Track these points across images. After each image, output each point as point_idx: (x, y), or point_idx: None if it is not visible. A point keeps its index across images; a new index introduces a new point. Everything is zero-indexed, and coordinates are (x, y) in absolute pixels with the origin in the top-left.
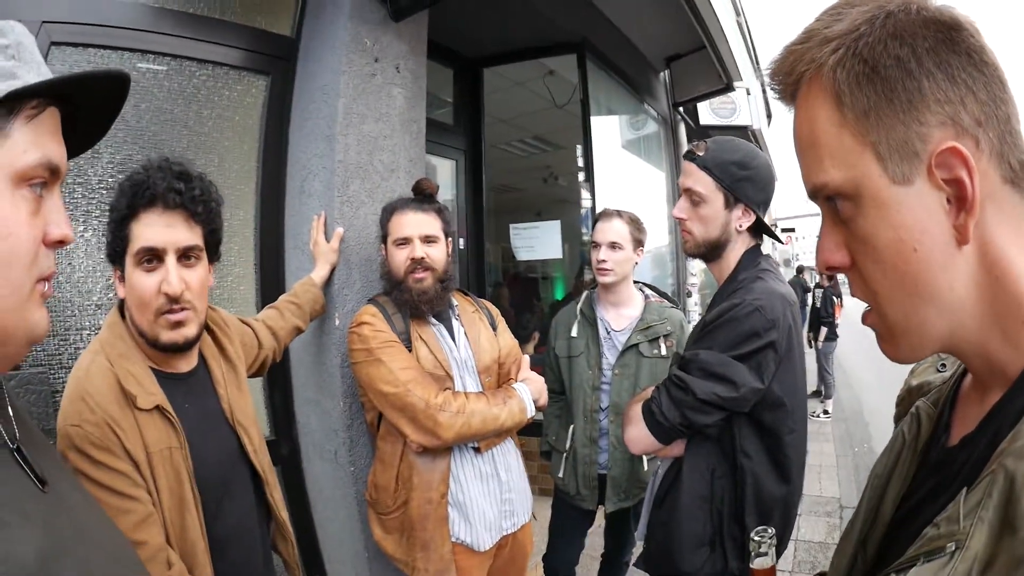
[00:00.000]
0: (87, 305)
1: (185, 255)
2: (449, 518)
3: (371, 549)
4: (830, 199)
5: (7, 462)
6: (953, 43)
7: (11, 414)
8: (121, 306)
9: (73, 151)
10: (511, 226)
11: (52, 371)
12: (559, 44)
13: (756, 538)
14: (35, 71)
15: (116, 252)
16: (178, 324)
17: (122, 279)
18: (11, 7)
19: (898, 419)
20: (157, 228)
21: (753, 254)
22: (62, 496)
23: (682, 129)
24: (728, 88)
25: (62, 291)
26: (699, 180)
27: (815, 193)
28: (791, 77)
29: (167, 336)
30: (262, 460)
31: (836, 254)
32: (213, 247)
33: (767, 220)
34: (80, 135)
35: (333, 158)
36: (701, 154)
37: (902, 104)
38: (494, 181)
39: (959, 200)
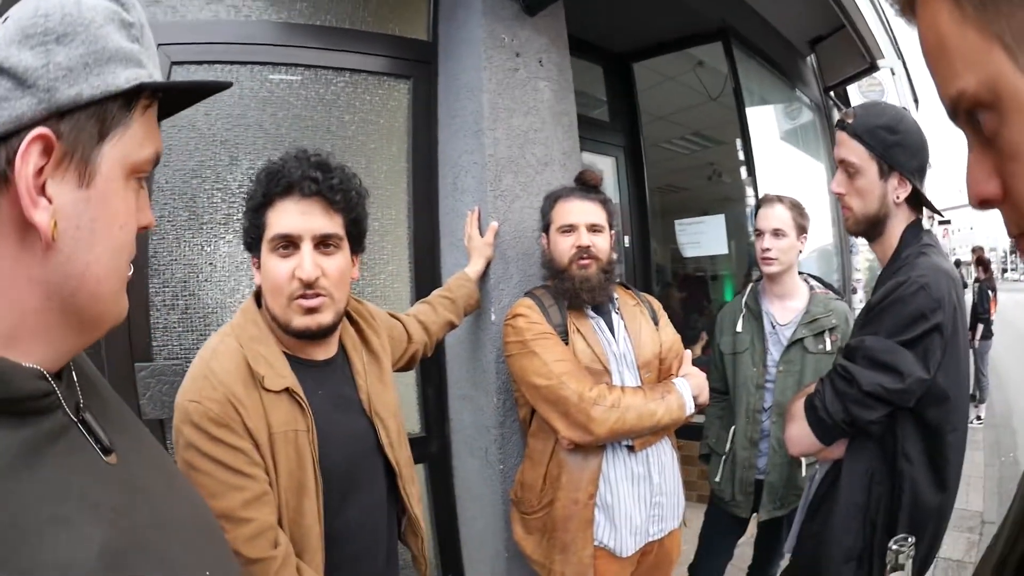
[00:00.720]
0: (230, 303)
1: (323, 243)
2: (594, 521)
3: (511, 550)
4: (972, 116)
5: (74, 441)
6: None
7: (78, 383)
8: (257, 294)
9: None
10: (676, 222)
11: (189, 364)
12: (702, 33)
13: (894, 547)
14: (154, 60)
15: (252, 239)
16: (312, 310)
17: (258, 266)
18: None
19: None
20: (292, 215)
21: (915, 229)
22: (138, 476)
23: (836, 116)
24: (873, 68)
25: (204, 290)
26: (852, 150)
27: (954, 110)
28: None
29: (300, 321)
30: (398, 454)
31: (988, 184)
32: (356, 238)
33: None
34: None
35: (483, 153)
36: (850, 121)
37: None
38: (658, 181)
39: None
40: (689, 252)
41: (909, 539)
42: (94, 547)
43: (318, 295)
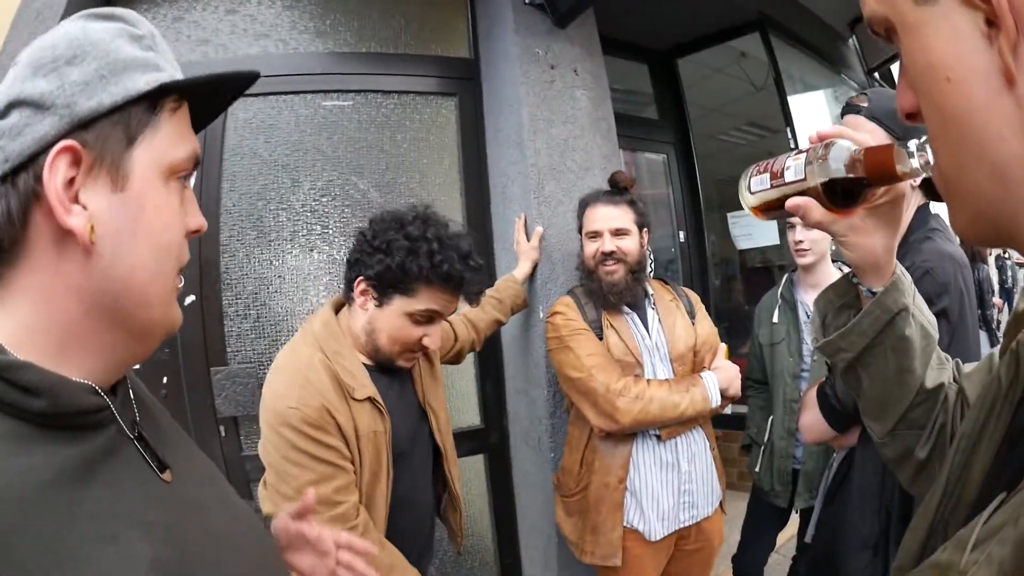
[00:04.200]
0: (299, 311)
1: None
2: (625, 504)
3: (561, 535)
4: (891, 40)
5: (128, 458)
6: None
7: (134, 401)
8: (337, 307)
9: None
10: (728, 215)
11: (261, 368)
12: (740, 25)
13: None
14: (172, 63)
15: (386, 286)
16: (414, 359)
17: (376, 301)
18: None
19: (1001, 357)
20: (443, 302)
21: (923, 213)
22: (191, 494)
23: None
24: None
25: (272, 299)
26: (870, 132)
27: (875, 31)
28: None
29: (402, 364)
30: (445, 439)
31: (906, 97)
32: None
33: None
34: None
35: (526, 163)
36: (865, 105)
37: None
38: (717, 173)
39: (993, 26)
40: (742, 244)
41: None
42: (143, 563)
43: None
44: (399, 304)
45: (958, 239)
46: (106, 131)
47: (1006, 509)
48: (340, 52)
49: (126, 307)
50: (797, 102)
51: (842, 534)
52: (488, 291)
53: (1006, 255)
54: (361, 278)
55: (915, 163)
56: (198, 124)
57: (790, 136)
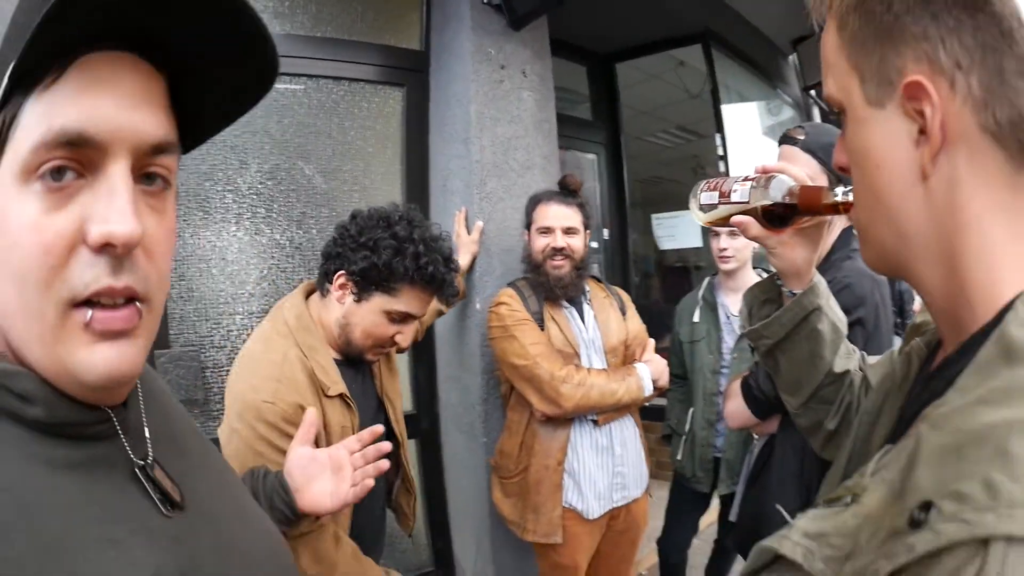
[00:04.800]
0: (240, 294)
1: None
2: (563, 485)
3: (493, 516)
4: (840, 113)
5: (133, 475)
6: None
7: (145, 424)
8: (307, 294)
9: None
10: (653, 216)
11: (203, 351)
12: (684, 36)
13: None
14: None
15: (368, 283)
16: (383, 355)
17: (354, 296)
18: None
19: (900, 355)
20: (424, 304)
21: (847, 235)
22: (203, 505)
23: (816, 113)
24: None
25: (216, 281)
26: (805, 163)
27: (829, 104)
28: (819, 7)
29: (371, 358)
30: (401, 428)
31: (841, 156)
32: None
33: None
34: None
35: (470, 159)
36: (802, 138)
37: (882, 35)
38: (643, 173)
39: (924, 135)
40: (665, 245)
41: None
42: (145, 570)
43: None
44: (379, 302)
45: None
46: None
47: (893, 452)
48: (296, 35)
49: (14, 345)
50: (730, 111)
51: (766, 511)
52: None
53: None
54: (343, 272)
55: (840, 201)
56: (222, 119)
57: (719, 143)
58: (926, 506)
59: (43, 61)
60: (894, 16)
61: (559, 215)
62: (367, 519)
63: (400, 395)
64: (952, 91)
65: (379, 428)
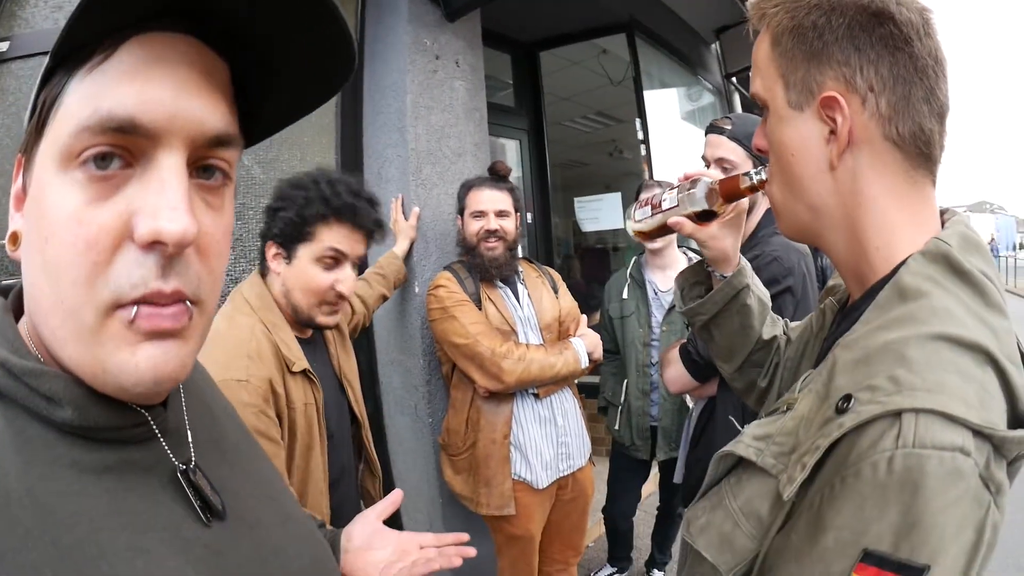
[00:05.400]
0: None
1: (354, 265)
2: (511, 458)
3: (444, 495)
4: (763, 108)
5: (171, 481)
6: (870, 27)
7: (188, 426)
8: (262, 275)
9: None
10: (575, 200)
11: None
12: (609, 25)
13: None
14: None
15: (290, 239)
16: (334, 312)
17: (285, 259)
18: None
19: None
20: (348, 240)
21: (772, 213)
22: (242, 511)
23: (737, 100)
24: None
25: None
26: (731, 150)
27: (754, 99)
28: (757, 22)
29: (323, 319)
30: (361, 409)
31: (761, 140)
32: None
33: None
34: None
35: (406, 147)
36: (729, 127)
37: (810, 55)
38: (562, 157)
39: (834, 135)
40: (588, 227)
41: None
42: None
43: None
44: (305, 253)
45: None
46: (29, 129)
47: (815, 372)
48: None
49: (46, 341)
50: (650, 97)
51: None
52: (372, 268)
53: None
54: (270, 241)
55: (754, 183)
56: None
57: (639, 127)
58: (847, 398)
59: (92, 38)
60: (823, 43)
61: (492, 199)
62: (346, 503)
63: (357, 375)
64: (863, 107)
65: (464, 536)
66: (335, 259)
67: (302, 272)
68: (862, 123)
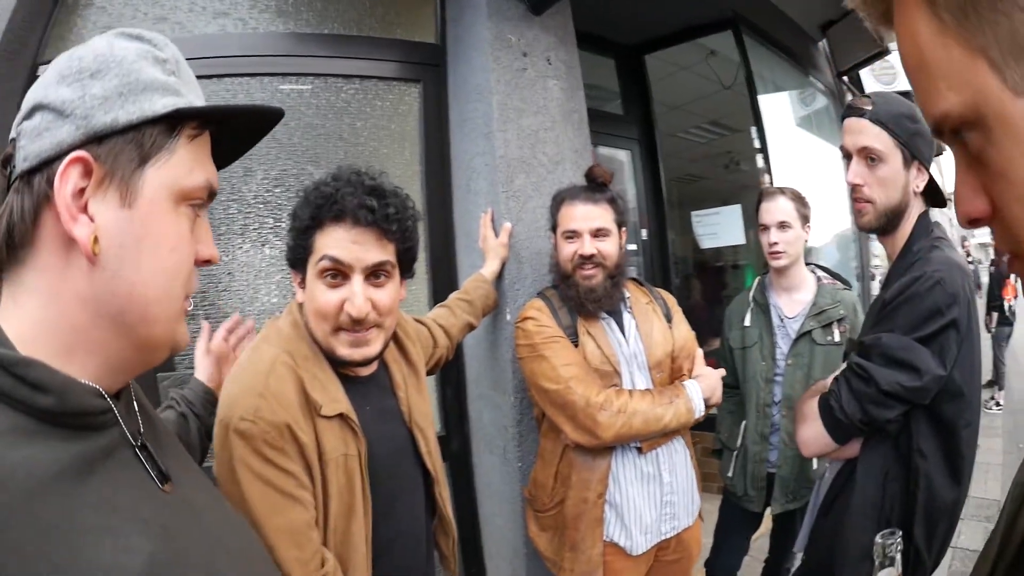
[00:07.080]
0: (247, 312)
1: (374, 273)
2: (604, 519)
3: (529, 546)
4: (957, 134)
5: (129, 462)
6: None
7: (137, 411)
8: (301, 305)
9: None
10: (692, 213)
11: None
12: (713, 23)
13: (880, 540)
14: (195, 91)
15: (297, 258)
16: (359, 343)
17: (302, 284)
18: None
19: None
20: (344, 244)
21: (925, 221)
22: (188, 498)
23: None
24: (884, 52)
25: (224, 300)
26: (875, 137)
27: (939, 129)
28: None
29: (344, 352)
30: (435, 460)
31: (975, 202)
32: (407, 264)
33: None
34: (216, 156)
35: (494, 154)
36: (870, 108)
37: None
38: (676, 171)
39: None
40: (707, 243)
41: (897, 533)
42: (141, 556)
43: (368, 328)
44: (311, 271)
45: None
46: (119, 147)
47: None
48: (301, 33)
49: (129, 321)
50: (765, 102)
51: (841, 545)
52: (457, 293)
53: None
54: (294, 272)
55: None
56: (224, 159)
57: (755, 136)
58: None
59: (191, 119)
60: None
61: (586, 215)
62: (411, 560)
63: (431, 421)
64: None
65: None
66: (335, 271)
67: (309, 293)
68: None
